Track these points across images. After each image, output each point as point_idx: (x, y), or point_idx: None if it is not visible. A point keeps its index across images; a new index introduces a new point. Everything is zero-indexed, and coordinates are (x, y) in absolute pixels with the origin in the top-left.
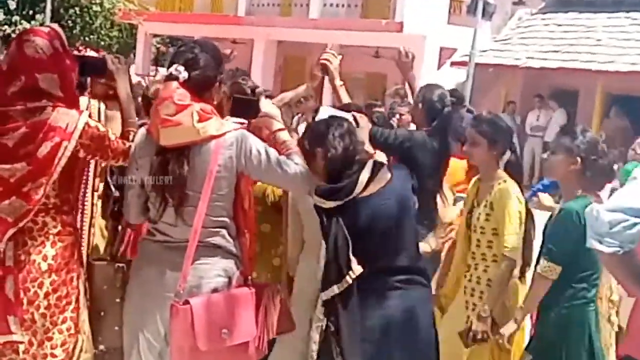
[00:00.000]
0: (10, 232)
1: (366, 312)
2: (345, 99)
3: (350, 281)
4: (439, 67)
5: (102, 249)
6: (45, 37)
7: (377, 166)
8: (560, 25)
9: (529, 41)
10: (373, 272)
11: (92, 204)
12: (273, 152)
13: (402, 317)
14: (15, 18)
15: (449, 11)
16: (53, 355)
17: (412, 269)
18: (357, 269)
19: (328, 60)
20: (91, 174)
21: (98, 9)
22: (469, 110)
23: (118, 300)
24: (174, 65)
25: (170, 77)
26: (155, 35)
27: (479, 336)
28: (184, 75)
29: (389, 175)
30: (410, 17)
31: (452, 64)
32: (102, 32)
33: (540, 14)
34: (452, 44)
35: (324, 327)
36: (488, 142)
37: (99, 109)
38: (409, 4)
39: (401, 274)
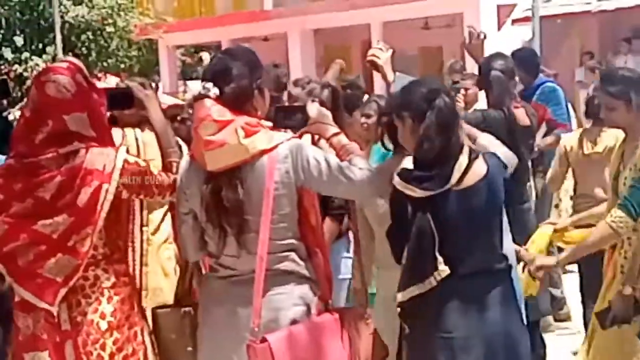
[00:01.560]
0: (62, 292)
1: (447, 320)
2: None
3: (434, 283)
4: (499, 28)
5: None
6: (67, 74)
7: (473, 155)
8: None
9: None
10: (456, 276)
11: (142, 241)
12: (334, 159)
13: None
14: (25, 55)
15: None
16: None
17: (497, 273)
18: (443, 269)
19: (375, 55)
20: (137, 207)
21: (112, 29)
22: (542, 71)
23: (190, 348)
24: (203, 83)
25: (200, 96)
26: (178, 47)
27: (619, 319)
28: (214, 91)
29: (485, 168)
30: None
31: (514, 21)
32: (120, 53)
33: None
34: (509, 0)
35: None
36: (625, 102)
37: (136, 137)
38: None
39: (486, 279)
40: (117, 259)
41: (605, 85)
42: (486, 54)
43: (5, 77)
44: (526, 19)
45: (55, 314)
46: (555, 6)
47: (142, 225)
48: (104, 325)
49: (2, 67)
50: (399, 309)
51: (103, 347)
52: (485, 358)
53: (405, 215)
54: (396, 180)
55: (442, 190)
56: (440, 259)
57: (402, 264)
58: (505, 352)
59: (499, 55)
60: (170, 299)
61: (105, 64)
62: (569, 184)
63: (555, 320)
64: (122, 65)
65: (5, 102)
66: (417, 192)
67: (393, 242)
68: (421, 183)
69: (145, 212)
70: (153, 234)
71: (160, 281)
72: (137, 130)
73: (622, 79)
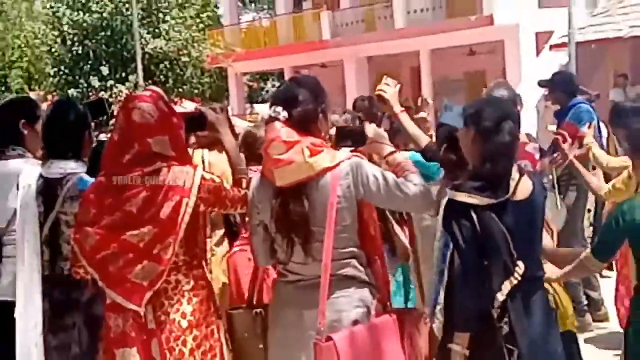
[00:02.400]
0: (148, 295)
1: (530, 314)
2: (408, 124)
3: (518, 277)
4: (537, 53)
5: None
6: (150, 101)
7: (521, 170)
8: None
9: (629, 9)
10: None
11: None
12: (390, 176)
13: (543, 323)
14: (110, 83)
15: None
16: None
17: (538, 280)
18: (520, 265)
19: (382, 90)
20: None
21: (187, 59)
22: (581, 92)
23: (261, 346)
24: (273, 107)
25: (271, 119)
26: (245, 74)
27: None
28: (283, 114)
29: (532, 184)
30: (500, 8)
31: (551, 47)
32: (194, 81)
33: None
34: (547, 27)
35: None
36: None
37: (202, 158)
38: None
39: (537, 283)
40: (196, 265)
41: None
42: (525, 76)
43: (102, 98)
44: (563, 45)
45: (142, 314)
46: (590, 33)
47: (205, 238)
48: (184, 323)
49: (90, 93)
50: (497, 311)
51: (184, 344)
52: (528, 357)
53: (472, 224)
54: (454, 193)
55: (502, 199)
56: (515, 254)
57: (469, 274)
58: (545, 354)
59: (502, 84)
60: (225, 304)
61: (180, 90)
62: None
63: (594, 320)
64: (196, 91)
65: (93, 124)
66: (483, 200)
67: (464, 254)
68: (482, 192)
69: (208, 227)
70: (217, 245)
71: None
72: (205, 150)
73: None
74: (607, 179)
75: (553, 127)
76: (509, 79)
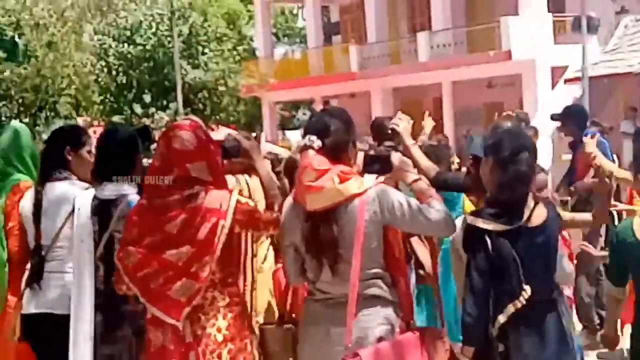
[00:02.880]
0: (186, 311)
1: (531, 335)
2: (418, 156)
3: (523, 302)
4: (553, 87)
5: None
6: (189, 129)
7: (536, 198)
8: None
9: (638, 47)
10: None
11: (253, 270)
12: (414, 202)
13: (552, 343)
14: (152, 110)
15: (554, 31)
16: None
17: (554, 301)
18: (526, 289)
19: (396, 124)
20: (249, 240)
21: (224, 88)
22: (593, 122)
23: (291, 359)
24: (308, 136)
25: (305, 147)
26: (277, 103)
27: None
28: (317, 143)
29: (546, 212)
30: (517, 44)
31: (566, 81)
32: (230, 109)
33: None
34: (562, 63)
35: (498, 348)
36: None
37: (247, 182)
38: (514, 31)
39: (548, 305)
40: (231, 283)
41: None
42: (541, 108)
43: (147, 125)
44: (577, 79)
45: (180, 328)
46: (602, 68)
47: (253, 256)
48: (220, 337)
49: (134, 120)
50: (497, 330)
51: (219, 356)
52: None
53: (485, 248)
54: (472, 219)
55: (516, 225)
56: (523, 279)
57: (479, 295)
58: None
59: (509, 118)
60: (272, 318)
61: (217, 117)
62: None
63: None
64: (232, 119)
65: None
66: (497, 227)
67: (473, 276)
68: (497, 219)
69: (255, 245)
70: (262, 263)
71: (269, 300)
72: (246, 175)
73: None
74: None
75: (567, 157)
76: (526, 111)
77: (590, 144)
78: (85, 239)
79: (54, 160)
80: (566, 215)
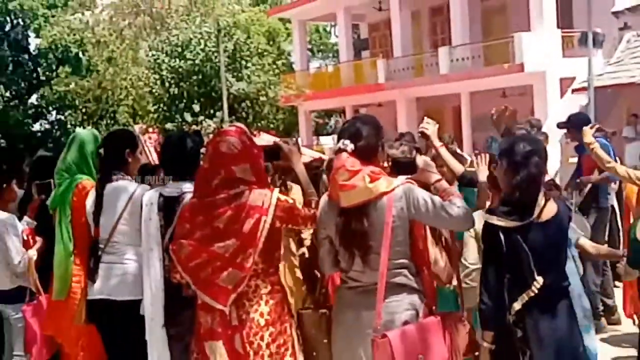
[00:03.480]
0: (232, 297)
1: (544, 321)
2: (446, 156)
3: (535, 291)
4: (561, 96)
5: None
6: (235, 135)
7: (547, 196)
8: None
9: None
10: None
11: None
12: (437, 199)
13: (562, 329)
14: (200, 118)
15: (562, 46)
16: None
17: (564, 291)
18: (538, 279)
19: (425, 128)
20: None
21: (264, 98)
22: (598, 129)
23: (325, 341)
24: (342, 140)
25: (339, 150)
26: (312, 111)
27: None
28: (350, 147)
29: (556, 208)
30: (529, 58)
31: (573, 91)
32: (270, 117)
33: None
34: (570, 74)
35: (516, 333)
36: None
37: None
38: (526, 46)
39: (558, 295)
40: (272, 273)
41: None
42: (551, 116)
43: (199, 131)
44: (583, 89)
45: (227, 313)
46: (606, 79)
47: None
48: (262, 321)
49: (184, 126)
50: (513, 317)
51: (262, 338)
52: (555, 356)
53: (499, 243)
54: (487, 216)
55: (527, 222)
56: (535, 270)
57: (494, 284)
58: (569, 352)
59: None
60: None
61: (259, 124)
62: None
63: (609, 324)
64: (271, 125)
65: None
66: (509, 223)
67: (488, 267)
68: (510, 216)
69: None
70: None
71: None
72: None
73: None
74: None
75: (573, 160)
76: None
77: (588, 134)
78: (152, 233)
79: (114, 162)
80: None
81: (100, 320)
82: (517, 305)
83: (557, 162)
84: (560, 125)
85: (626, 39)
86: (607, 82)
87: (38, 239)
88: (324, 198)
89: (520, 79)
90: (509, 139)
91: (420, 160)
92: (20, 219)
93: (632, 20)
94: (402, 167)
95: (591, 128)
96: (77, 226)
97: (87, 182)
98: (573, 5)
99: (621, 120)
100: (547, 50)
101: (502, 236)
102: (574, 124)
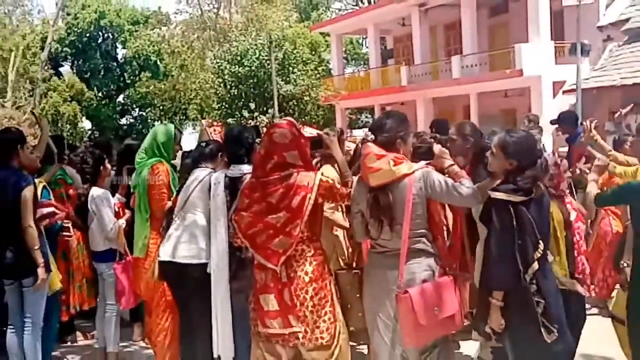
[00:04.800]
0: (282, 259)
1: (550, 278)
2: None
3: (540, 253)
4: (554, 96)
5: None
6: (286, 127)
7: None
8: None
9: (620, 66)
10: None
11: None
12: (449, 181)
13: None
14: (255, 114)
15: (555, 55)
16: (322, 338)
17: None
18: (541, 244)
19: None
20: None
21: (308, 98)
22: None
23: (358, 295)
24: (368, 131)
25: (365, 140)
26: (347, 109)
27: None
28: (371, 137)
29: (543, 187)
30: (527, 64)
31: (564, 92)
32: (312, 113)
33: (626, 45)
34: (561, 78)
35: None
36: None
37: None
38: (525, 55)
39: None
40: (315, 239)
41: None
42: (545, 113)
43: (257, 125)
44: (572, 91)
45: (278, 272)
46: (592, 82)
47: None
48: (307, 279)
49: (242, 121)
50: (530, 276)
51: (306, 292)
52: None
53: (509, 215)
54: (496, 193)
55: (529, 198)
56: (539, 236)
57: (507, 250)
58: (559, 305)
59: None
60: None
61: (303, 119)
62: None
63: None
64: (313, 120)
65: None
66: (517, 199)
67: (502, 236)
68: (516, 193)
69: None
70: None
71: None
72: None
73: None
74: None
75: (563, 149)
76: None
77: (589, 129)
78: (219, 206)
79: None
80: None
81: (169, 279)
82: (535, 265)
83: (549, 151)
84: (552, 122)
85: (609, 49)
86: (593, 85)
87: (127, 211)
88: (357, 179)
89: (519, 82)
90: (520, 141)
91: (437, 148)
92: (112, 195)
93: (614, 33)
94: (421, 154)
95: (591, 123)
96: (153, 199)
97: (159, 164)
98: (564, 21)
99: (604, 116)
100: (542, 58)
101: (511, 209)
102: (563, 121)
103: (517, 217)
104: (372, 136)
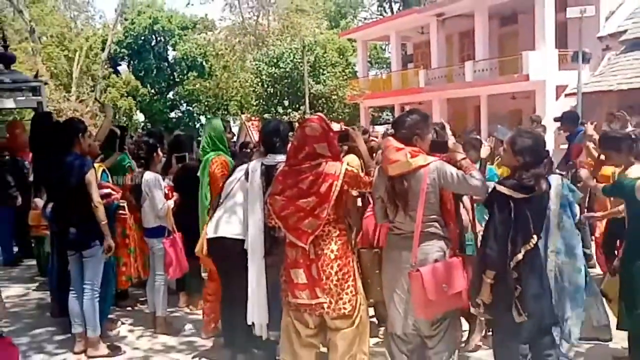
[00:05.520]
0: (311, 238)
1: (536, 267)
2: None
3: (532, 245)
4: (557, 99)
5: None
6: (317, 122)
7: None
8: (637, 59)
9: (617, 73)
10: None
11: None
12: (460, 173)
13: (542, 271)
14: (288, 110)
15: (559, 62)
16: (344, 308)
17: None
18: (534, 238)
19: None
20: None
21: (335, 97)
22: (582, 123)
23: (377, 272)
24: (388, 127)
25: (385, 134)
26: (370, 107)
27: None
28: (391, 132)
29: (547, 185)
30: (533, 70)
31: (566, 95)
32: (339, 110)
33: (622, 54)
34: (564, 83)
35: (512, 275)
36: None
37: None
38: (531, 61)
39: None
40: (340, 221)
41: None
42: (548, 114)
43: (291, 121)
44: (573, 94)
45: (307, 249)
46: (591, 87)
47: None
48: (332, 255)
49: (277, 116)
50: (514, 263)
51: (332, 268)
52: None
53: (509, 208)
54: (500, 187)
55: (531, 195)
56: (532, 230)
57: (502, 237)
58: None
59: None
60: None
61: (331, 116)
62: None
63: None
64: (340, 117)
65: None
66: (518, 195)
67: (499, 225)
68: (517, 189)
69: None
70: None
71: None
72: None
73: None
74: None
75: (564, 146)
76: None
77: (590, 129)
78: (256, 191)
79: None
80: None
81: (214, 253)
82: (520, 256)
83: (551, 148)
84: (556, 119)
85: (607, 57)
86: (592, 89)
87: (175, 194)
88: (378, 169)
89: (526, 86)
90: (528, 142)
91: (451, 143)
92: (163, 179)
93: (612, 43)
94: (436, 147)
95: (591, 124)
96: (213, 188)
97: (217, 157)
98: (568, 31)
99: (602, 117)
100: (547, 64)
101: (511, 203)
102: (566, 119)
103: (515, 212)
104: (392, 131)
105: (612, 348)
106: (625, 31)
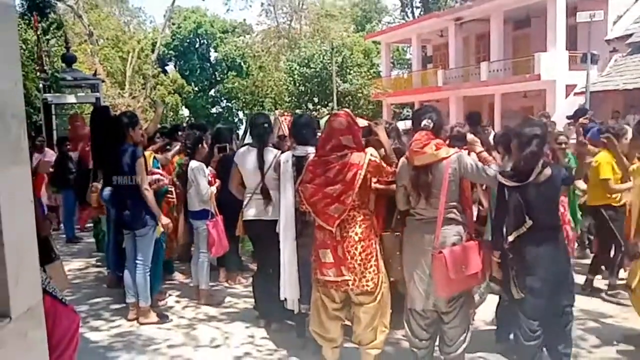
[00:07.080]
0: (337, 222)
1: (530, 249)
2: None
3: (524, 229)
4: (566, 97)
5: None
6: (343, 116)
7: (544, 164)
8: None
9: (623, 73)
10: (536, 228)
11: None
12: (479, 164)
13: (546, 254)
14: (318, 107)
15: (569, 62)
16: (367, 285)
17: (554, 228)
18: (528, 222)
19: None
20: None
21: (361, 95)
22: (591, 120)
23: (398, 253)
24: (424, 121)
25: (421, 128)
26: (392, 104)
27: None
28: (430, 125)
29: (550, 172)
30: (544, 70)
31: (575, 94)
32: (364, 107)
33: (628, 56)
34: (573, 82)
35: (507, 256)
36: None
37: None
38: (543, 62)
39: (547, 231)
40: (364, 207)
41: None
42: (558, 111)
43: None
44: (582, 93)
45: (334, 232)
46: (599, 86)
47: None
48: (356, 238)
49: (307, 112)
50: (508, 244)
51: (356, 249)
52: (549, 282)
53: (504, 195)
54: (500, 177)
55: (525, 182)
56: (527, 216)
57: (500, 222)
58: (560, 278)
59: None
60: None
61: (356, 112)
62: None
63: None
64: (364, 113)
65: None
66: (510, 183)
67: (497, 211)
68: (512, 178)
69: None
70: None
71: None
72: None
73: None
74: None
75: (572, 141)
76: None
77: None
78: (288, 179)
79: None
80: None
81: (250, 233)
82: (510, 238)
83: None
84: (568, 117)
85: (614, 59)
86: (599, 88)
87: (217, 181)
88: (403, 160)
89: (537, 85)
90: (518, 126)
91: (470, 137)
92: (207, 167)
93: (619, 46)
94: (456, 141)
95: (584, 118)
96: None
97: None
98: (578, 34)
99: (608, 115)
100: (558, 65)
101: (506, 191)
102: (578, 116)
103: (509, 198)
104: (430, 125)
105: (626, 327)
106: (631, 34)
